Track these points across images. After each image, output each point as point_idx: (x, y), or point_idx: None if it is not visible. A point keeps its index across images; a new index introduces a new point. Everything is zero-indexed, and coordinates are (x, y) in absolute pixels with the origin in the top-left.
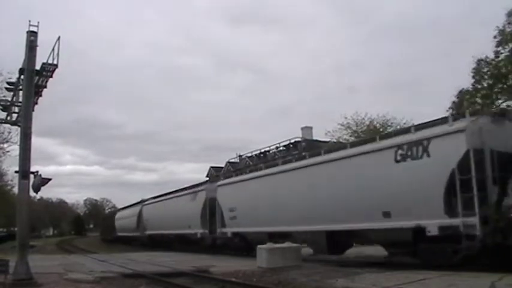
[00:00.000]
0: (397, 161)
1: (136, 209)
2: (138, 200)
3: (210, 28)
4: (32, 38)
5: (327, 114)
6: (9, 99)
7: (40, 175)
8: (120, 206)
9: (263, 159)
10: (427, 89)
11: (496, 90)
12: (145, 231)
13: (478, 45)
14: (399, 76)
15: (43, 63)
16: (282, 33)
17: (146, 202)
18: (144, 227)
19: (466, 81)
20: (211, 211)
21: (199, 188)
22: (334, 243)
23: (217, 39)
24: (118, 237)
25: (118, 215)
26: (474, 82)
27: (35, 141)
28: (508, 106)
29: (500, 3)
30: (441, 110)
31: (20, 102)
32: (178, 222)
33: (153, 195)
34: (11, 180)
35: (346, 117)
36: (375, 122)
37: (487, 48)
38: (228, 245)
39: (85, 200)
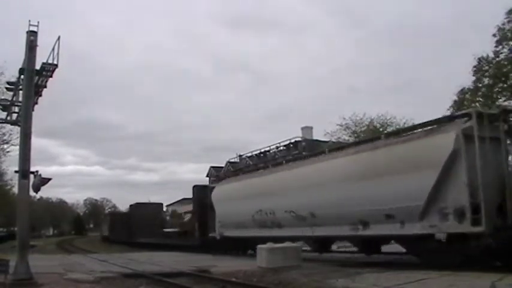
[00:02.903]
0: None
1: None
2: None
3: (210, 31)
4: (32, 37)
5: (326, 115)
6: (9, 99)
7: (40, 175)
8: (120, 207)
9: (263, 159)
10: (426, 90)
11: (496, 89)
12: None
13: (476, 47)
14: (398, 77)
15: (43, 63)
16: (281, 36)
17: None
18: None
19: (467, 80)
20: None
21: None
22: None
23: (217, 40)
24: (225, 240)
25: (224, 189)
26: (475, 80)
27: (38, 142)
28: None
29: (498, 4)
30: (441, 110)
31: (20, 102)
32: None
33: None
34: (11, 180)
35: (344, 118)
36: (375, 122)
37: (485, 49)
38: None
39: (85, 200)
